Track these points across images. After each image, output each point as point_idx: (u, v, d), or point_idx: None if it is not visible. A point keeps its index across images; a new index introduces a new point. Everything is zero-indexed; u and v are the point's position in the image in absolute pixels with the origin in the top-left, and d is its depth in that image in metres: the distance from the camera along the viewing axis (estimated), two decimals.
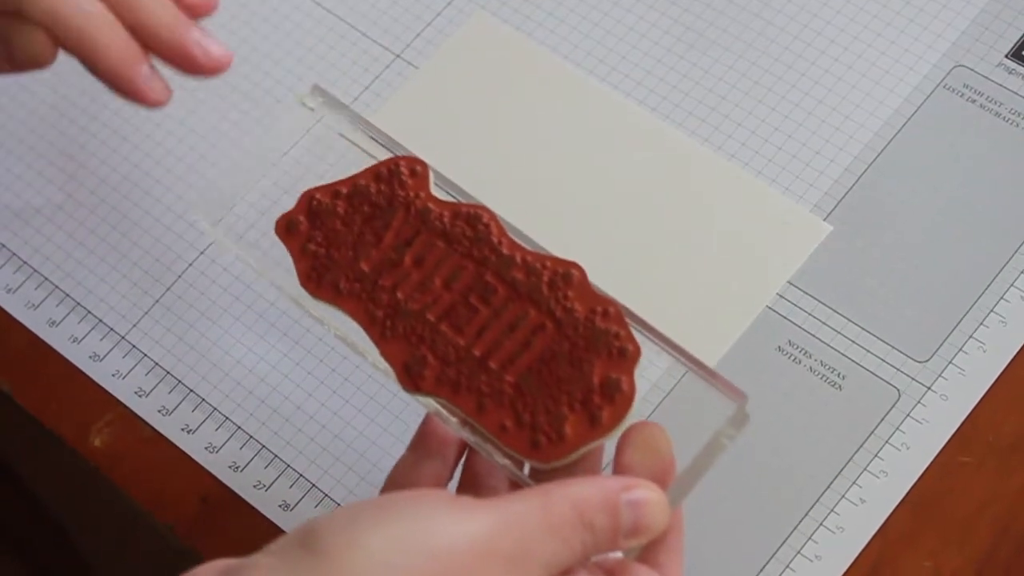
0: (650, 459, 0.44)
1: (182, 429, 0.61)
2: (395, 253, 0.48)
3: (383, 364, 0.47)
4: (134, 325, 0.63)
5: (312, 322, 0.62)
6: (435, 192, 0.49)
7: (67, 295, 0.64)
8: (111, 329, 0.63)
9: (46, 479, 0.68)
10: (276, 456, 0.59)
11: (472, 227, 0.48)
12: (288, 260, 0.49)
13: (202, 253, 0.64)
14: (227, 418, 0.60)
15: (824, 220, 0.61)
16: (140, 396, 0.61)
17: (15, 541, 0.75)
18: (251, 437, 0.60)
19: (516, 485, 0.47)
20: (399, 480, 0.48)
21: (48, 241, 0.65)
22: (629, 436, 0.45)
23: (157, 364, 0.62)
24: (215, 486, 0.59)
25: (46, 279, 0.64)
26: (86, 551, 0.71)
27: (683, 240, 0.61)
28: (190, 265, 0.64)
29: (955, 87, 0.63)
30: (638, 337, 0.45)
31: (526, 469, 0.47)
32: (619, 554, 0.44)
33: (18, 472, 0.68)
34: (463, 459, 0.49)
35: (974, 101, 0.63)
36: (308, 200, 0.50)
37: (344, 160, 0.51)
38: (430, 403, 0.47)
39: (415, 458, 0.48)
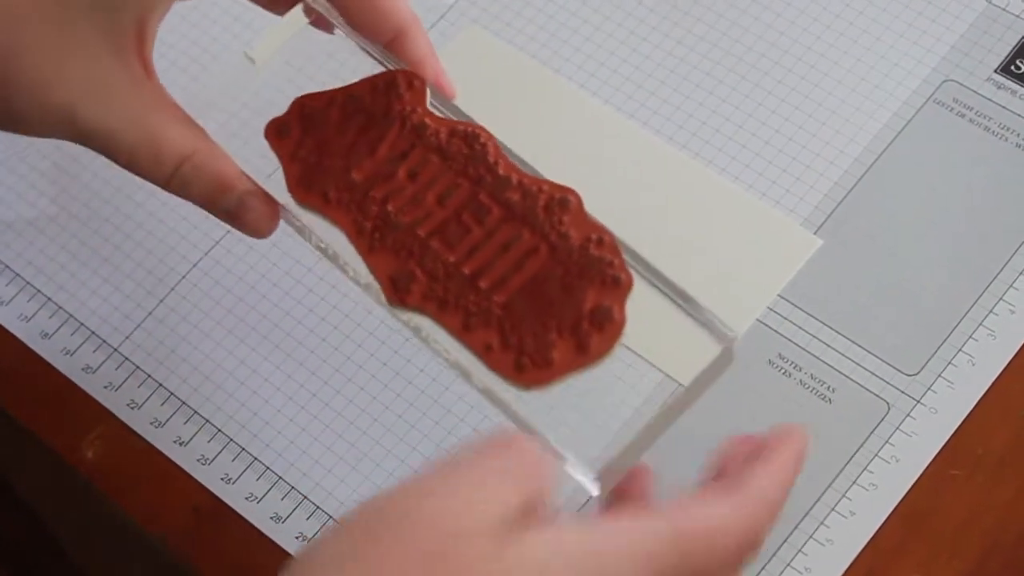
0: None
1: (174, 441, 0.61)
2: (389, 166, 0.47)
3: (365, 279, 0.46)
4: (127, 337, 0.63)
5: (304, 335, 0.62)
6: (431, 109, 0.48)
7: (60, 307, 0.64)
8: (104, 341, 0.63)
9: (39, 491, 0.68)
10: (268, 468, 0.59)
11: (469, 145, 0.47)
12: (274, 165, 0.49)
13: (195, 266, 0.64)
14: (219, 430, 0.61)
15: (814, 234, 0.61)
16: (132, 408, 0.62)
17: (7, 552, 0.75)
18: (243, 449, 0.60)
19: None
20: None
21: (41, 253, 0.66)
22: None
23: (150, 376, 0.62)
24: (207, 498, 0.59)
25: (39, 291, 0.65)
26: (79, 562, 0.71)
27: (673, 253, 0.60)
28: (183, 278, 0.64)
29: (945, 101, 0.63)
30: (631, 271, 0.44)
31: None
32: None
33: (11, 484, 0.68)
34: None
35: (963, 115, 0.63)
36: (300, 106, 0.49)
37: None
38: (412, 320, 0.46)
39: None
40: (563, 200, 0.45)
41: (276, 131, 0.49)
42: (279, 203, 0.49)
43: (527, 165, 0.47)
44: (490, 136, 0.47)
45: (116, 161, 0.49)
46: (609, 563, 0.38)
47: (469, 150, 0.46)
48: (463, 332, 0.44)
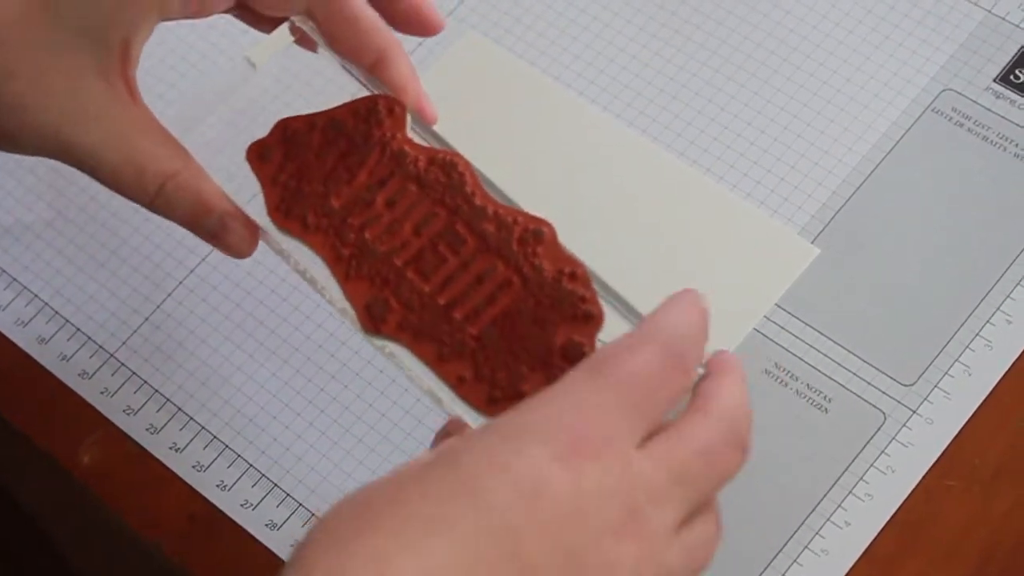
0: None
1: (170, 447, 0.61)
2: (367, 193, 0.47)
3: (341, 303, 0.47)
4: (123, 343, 0.63)
5: (300, 341, 0.62)
6: (411, 135, 0.48)
7: (57, 312, 0.64)
8: (100, 347, 0.63)
9: (35, 495, 0.68)
10: (263, 475, 0.59)
11: (447, 174, 0.47)
12: (255, 187, 0.49)
13: (192, 272, 0.64)
14: (215, 437, 0.61)
15: (812, 243, 0.61)
16: (128, 414, 0.62)
17: (5, 555, 0.75)
18: (239, 456, 0.60)
19: None
20: None
21: (38, 258, 0.66)
22: None
23: (146, 382, 0.62)
24: (202, 504, 0.59)
25: (36, 296, 0.65)
26: (75, 567, 0.71)
27: (670, 261, 0.61)
28: (180, 284, 0.64)
29: (943, 111, 0.63)
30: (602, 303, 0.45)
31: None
32: None
33: (8, 488, 0.68)
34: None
35: (962, 125, 0.63)
36: (282, 129, 0.49)
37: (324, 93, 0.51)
38: (386, 347, 0.46)
39: None
40: (537, 232, 0.46)
41: (258, 154, 0.49)
42: (259, 226, 0.50)
43: (503, 195, 0.47)
44: (467, 165, 0.47)
45: (100, 180, 0.50)
46: (538, 417, 0.40)
47: (447, 179, 0.47)
48: (437, 362, 0.45)
